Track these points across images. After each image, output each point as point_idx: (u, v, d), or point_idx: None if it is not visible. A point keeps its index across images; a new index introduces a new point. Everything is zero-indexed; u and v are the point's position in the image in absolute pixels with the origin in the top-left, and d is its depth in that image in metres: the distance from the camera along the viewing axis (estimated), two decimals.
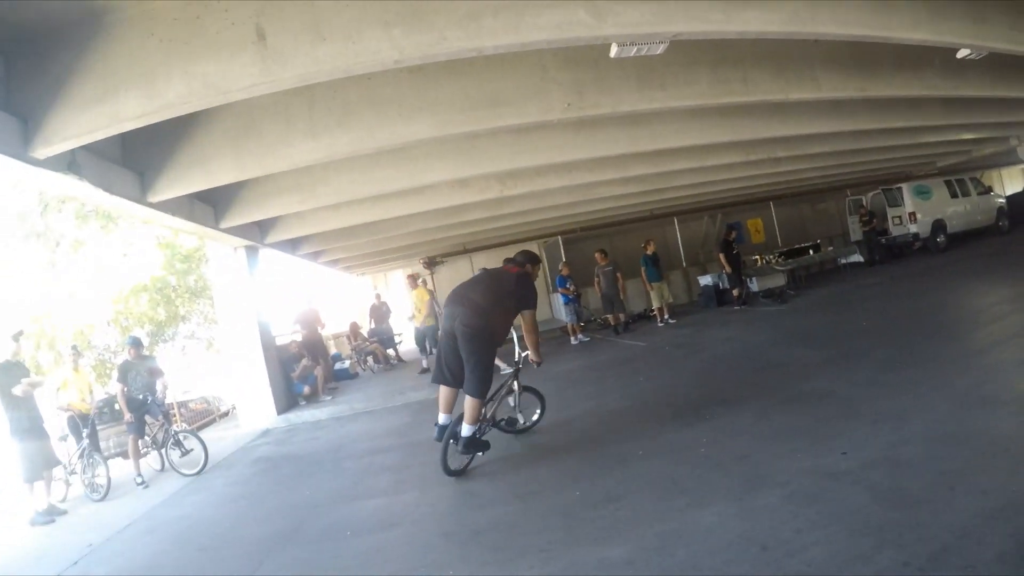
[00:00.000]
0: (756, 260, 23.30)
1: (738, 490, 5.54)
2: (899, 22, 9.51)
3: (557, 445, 8.38)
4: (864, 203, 26.44)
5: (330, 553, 6.20)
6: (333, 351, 22.16)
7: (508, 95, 9.45)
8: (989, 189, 29.74)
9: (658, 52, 8.38)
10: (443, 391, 8.23)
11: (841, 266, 26.05)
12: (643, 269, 20.03)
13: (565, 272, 19.78)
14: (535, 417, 9.17)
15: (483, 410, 8.00)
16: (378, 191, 12.81)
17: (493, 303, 7.81)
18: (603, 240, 26.31)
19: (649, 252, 19.92)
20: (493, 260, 26.49)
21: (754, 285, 20.89)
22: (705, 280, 22.85)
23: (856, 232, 26.51)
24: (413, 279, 18.18)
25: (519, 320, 8.36)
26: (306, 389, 15.85)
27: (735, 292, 20.20)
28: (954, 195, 26.56)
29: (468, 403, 7.72)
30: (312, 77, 6.92)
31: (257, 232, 14.62)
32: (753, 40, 9.11)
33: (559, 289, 20.09)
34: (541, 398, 9.25)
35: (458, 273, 27.08)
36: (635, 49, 8.08)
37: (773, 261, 22.66)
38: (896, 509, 4.66)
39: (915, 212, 24.86)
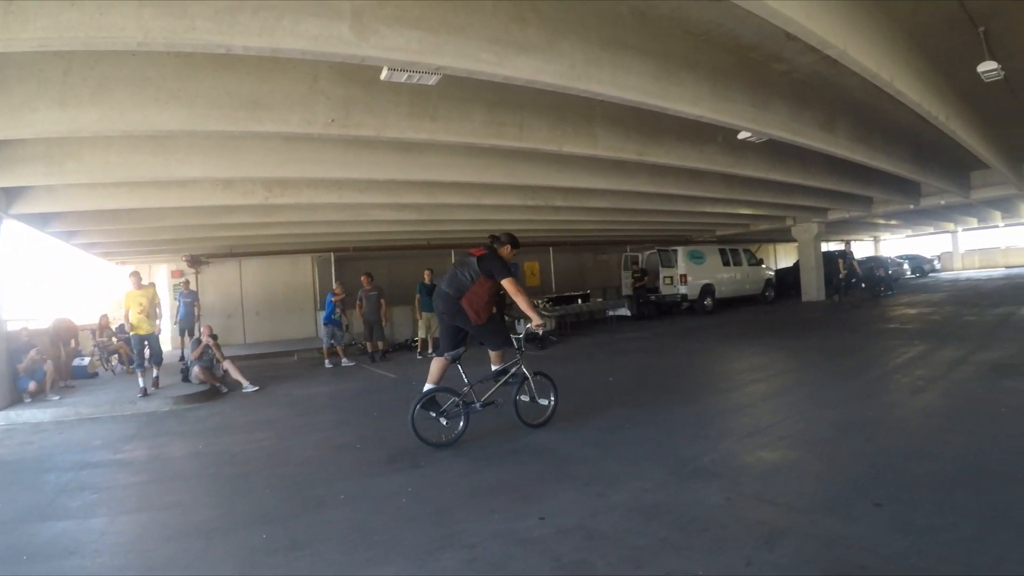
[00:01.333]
0: None
1: (424, 549, 5.28)
2: (679, 95, 9.68)
3: (262, 479, 7.89)
4: (639, 260, 27.42)
5: None
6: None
7: (272, 99, 9.03)
8: (760, 261, 32.09)
9: (431, 83, 8.24)
10: (436, 362, 8.97)
11: (610, 318, 26.78)
12: (417, 296, 19.67)
13: (339, 292, 19.20)
14: (552, 399, 9.23)
15: (502, 362, 9.07)
16: (134, 177, 11.92)
17: (460, 287, 8.57)
18: (380, 263, 25.99)
19: (427, 280, 19.59)
20: (262, 267, 25.85)
21: (521, 328, 21.06)
22: None
23: (628, 286, 27.44)
24: (136, 278, 14.99)
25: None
26: (31, 385, 14.15)
27: None
28: (726, 263, 28.73)
29: (492, 355, 8.99)
30: (51, 43, 6.25)
31: (3, 200, 13.40)
32: (536, 88, 8.94)
33: (332, 299, 19.32)
34: (552, 381, 9.35)
35: (225, 276, 26.11)
36: (406, 76, 7.90)
37: (541, 306, 22.92)
38: None
39: (686, 274, 26.48)
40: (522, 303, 8.73)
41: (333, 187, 14.46)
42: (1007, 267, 50.03)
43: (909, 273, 46.26)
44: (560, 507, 5.90)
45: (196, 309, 20.39)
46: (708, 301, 27.08)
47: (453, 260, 26.49)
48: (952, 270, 55.04)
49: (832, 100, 13.54)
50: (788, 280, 33.61)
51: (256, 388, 14.64)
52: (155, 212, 15.76)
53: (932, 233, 59.94)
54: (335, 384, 15.09)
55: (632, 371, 13.84)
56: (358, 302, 19.18)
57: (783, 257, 47.46)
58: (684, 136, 13.48)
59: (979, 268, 53.80)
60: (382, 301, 19.34)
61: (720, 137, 14.16)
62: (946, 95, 12.81)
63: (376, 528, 5.86)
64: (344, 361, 18.67)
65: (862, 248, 62.64)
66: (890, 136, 17.07)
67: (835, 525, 4.99)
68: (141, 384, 13.79)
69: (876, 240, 65.02)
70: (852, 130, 14.83)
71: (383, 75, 7.89)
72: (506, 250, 9.03)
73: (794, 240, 32.46)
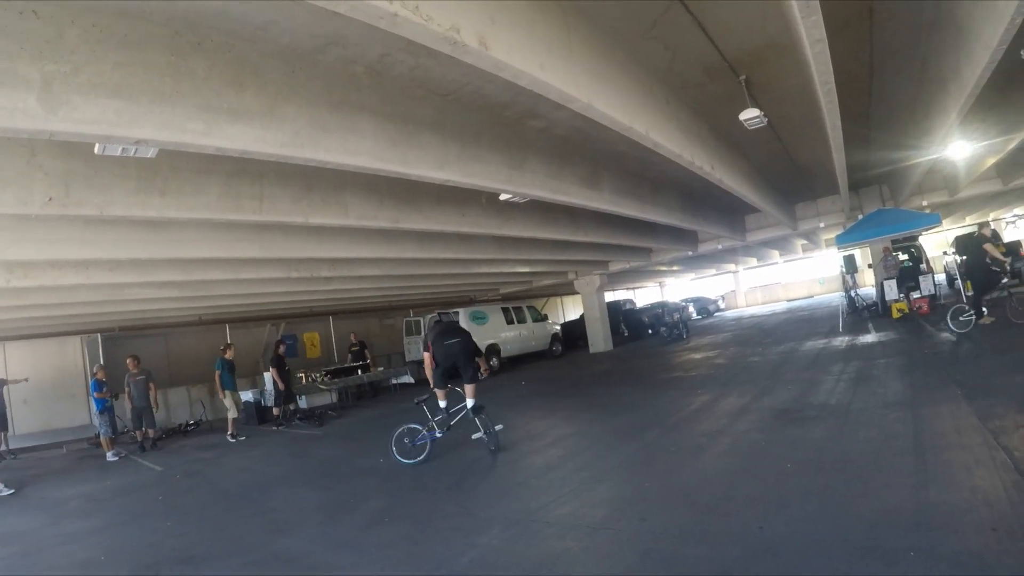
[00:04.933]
0: (301, 378, 22.53)
1: None
2: (421, 159, 9.30)
3: None
4: (423, 325, 27.12)
5: None
6: None
7: None
8: (545, 317, 32.84)
9: (150, 155, 7.66)
10: (441, 393, 11.63)
11: (394, 386, 26.54)
12: (218, 373, 18.46)
13: (100, 376, 17.88)
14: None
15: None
16: None
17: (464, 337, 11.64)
18: (155, 341, 24.73)
19: (228, 357, 18.59)
20: (28, 352, 23.72)
21: (304, 403, 20.30)
22: (247, 396, 21.70)
23: (411, 352, 27.12)
24: None
25: None
26: None
27: (276, 411, 19.41)
28: (510, 321, 29.11)
29: (468, 389, 11.35)
30: None
31: None
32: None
33: (94, 394, 17.93)
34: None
35: None
36: (121, 149, 7.25)
37: (319, 380, 22.14)
38: None
39: None
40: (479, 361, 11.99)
41: (80, 267, 13.38)
42: (788, 300, 52.73)
43: (695, 315, 47.78)
44: None
45: None
46: (494, 361, 27.21)
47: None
48: (737, 308, 57.38)
49: (595, 155, 13.55)
50: (576, 332, 34.60)
51: (11, 491, 13.28)
52: None
53: (715, 274, 62.47)
54: (97, 482, 13.88)
55: None
56: (126, 388, 17.92)
57: (572, 309, 48.28)
58: (444, 200, 13.26)
59: (762, 304, 56.67)
60: (151, 385, 18.18)
61: (483, 199, 14.01)
62: (710, 144, 13.02)
63: None
64: (109, 455, 17.14)
65: (647, 295, 64.73)
66: (659, 187, 17.36)
67: None
68: None
69: (661, 285, 67.13)
70: (618, 184, 14.92)
71: (96, 149, 7.26)
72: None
73: (577, 292, 32.94)
